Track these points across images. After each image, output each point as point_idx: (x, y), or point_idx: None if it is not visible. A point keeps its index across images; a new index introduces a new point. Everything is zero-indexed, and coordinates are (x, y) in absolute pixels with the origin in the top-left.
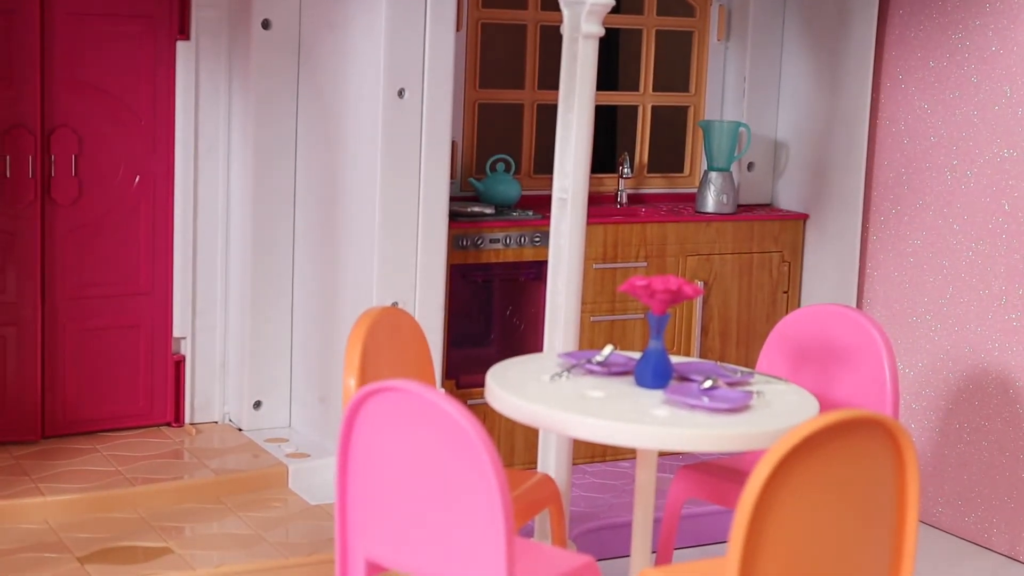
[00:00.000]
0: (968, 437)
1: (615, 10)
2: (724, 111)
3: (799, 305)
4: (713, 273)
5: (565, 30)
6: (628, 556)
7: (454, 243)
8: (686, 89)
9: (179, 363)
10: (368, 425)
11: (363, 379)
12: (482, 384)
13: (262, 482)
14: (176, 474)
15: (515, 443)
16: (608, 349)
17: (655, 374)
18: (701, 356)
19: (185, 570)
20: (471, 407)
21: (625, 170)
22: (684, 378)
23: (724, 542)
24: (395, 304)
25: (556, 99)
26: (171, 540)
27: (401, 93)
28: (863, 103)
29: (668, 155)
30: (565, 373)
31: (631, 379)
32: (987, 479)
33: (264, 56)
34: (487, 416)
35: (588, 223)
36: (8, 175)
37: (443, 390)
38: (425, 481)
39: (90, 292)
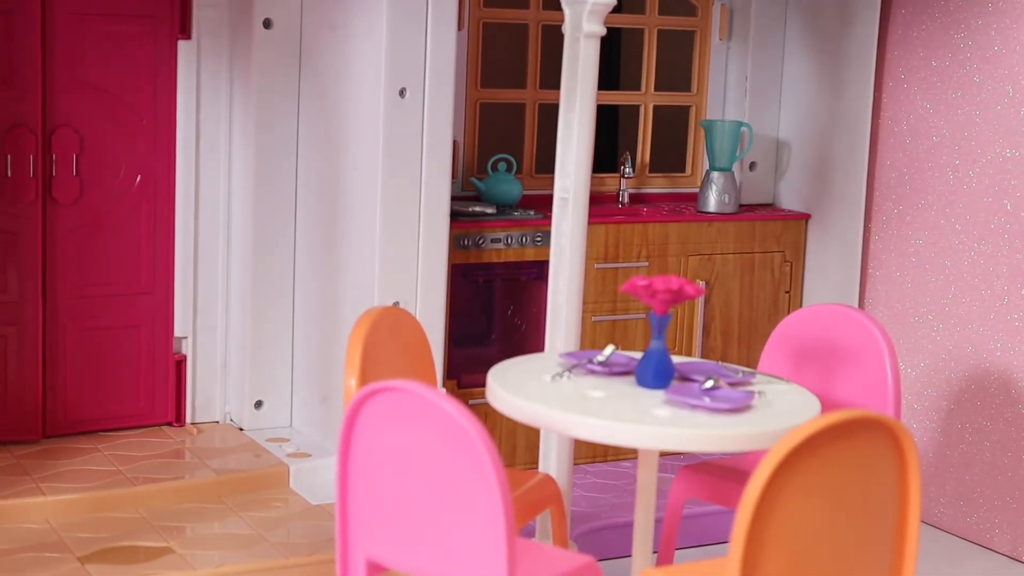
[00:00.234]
0: (970, 437)
1: (617, 9)
2: (726, 111)
3: (801, 305)
4: (715, 273)
5: (567, 29)
6: (629, 556)
7: (455, 243)
8: (688, 89)
9: (180, 363)
10: (369, 425)
11: (364, 379)
12: (483, 384)
13: (263, 482)
14: (177, 474)
15: (516, 443)
16: (609, 349)
17: (656, 374)
18: (702, 356)
19: (186, 570)
20: (472, 407)
21: (627, 170)
22: (685, 378)
23: (725, 542)
24: (396, 304)
25: (558, 99)
26: (172, 540)
27: (402, 92)
28: (865, 103)
29: (670, 155)
30: (566, 373)
31: (632, 379)
32: (989, 479)
33: (265, 56)
34: (488, 416)
35: (590, 223)
36: (9, 174)
37: (444, 390)
38: (426, 481)
39: (91, 292)
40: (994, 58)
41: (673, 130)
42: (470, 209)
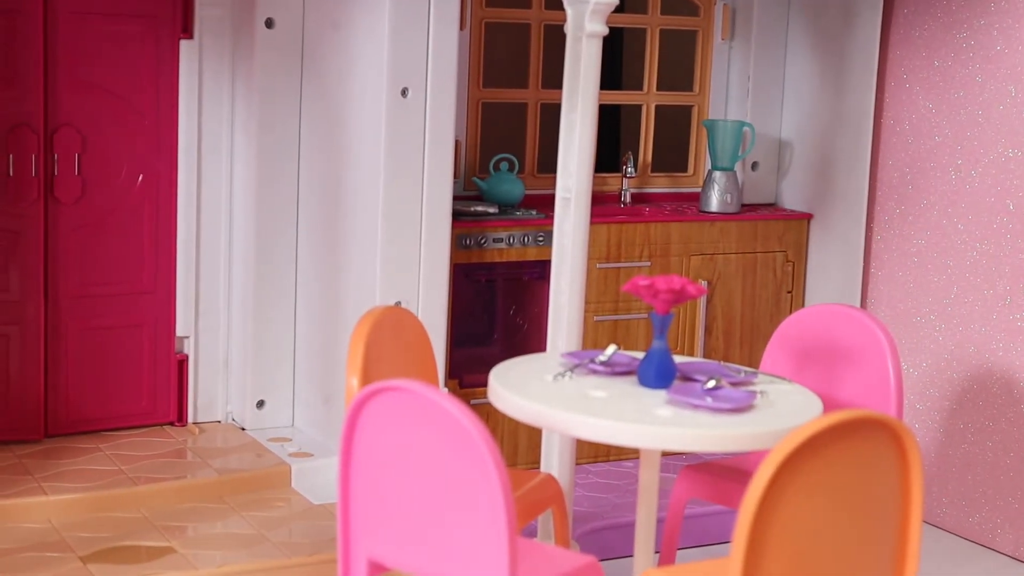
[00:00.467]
0: (972, 437)
1: (619, 9)
2: (728, 110)
3: (803, 305)
4: (717, 273)
5: (569, 29)
6: (631, 556)
7: (457, 242)
8: (690, 88)
9: (182, 362)
10: (371, 425)
11: (366, 379)
12: (485, 384)
13: (265, 482)
14: (179, 473)
15: (518, 443)
16: (611, 349)
17: (658, 374)
18: (705, 356)
19: (188, 570)
20: (474, 407)
21: (629, 169)
22: (687, 378)
23: (727, 542)
24: (398, 303)
25: (560, 98)
26: (174, 540)
27: (404, 92)
28: (867, 103)
29: (672, 154)
30: (568, 373)
31: (634, 379)
32: (991, 479)
33: (267, 55)
34: (490, 416)
35: (592, 222)
36: (11, 174)
37: (446, 390)
38: (428, 481)
39: (93, 291)
40: (996, 58)
41: (675, 130)
42: (472, 209)
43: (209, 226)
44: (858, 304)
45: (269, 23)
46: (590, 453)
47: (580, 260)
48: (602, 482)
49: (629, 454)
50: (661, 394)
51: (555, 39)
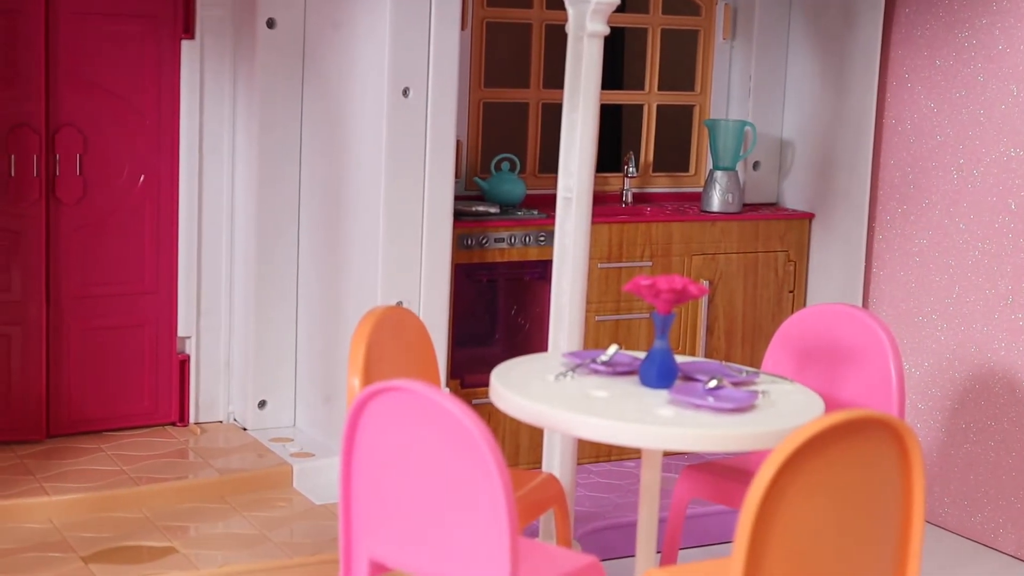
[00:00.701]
0: (974, 437)
1: (620, 9)
2: (730, 110)
3: (804, 305)
4: (718, 272)
5: (570, 29)
6: (633, 556)
7: (459, 242)
8: (691, 88)
9: (184, 362)
10: (372, 425)
11: (367, 379)
12: (487, 384)
13: (266, 482)
14: (180, 474)
15: (520, 443)
16: (613, 349)
17: (660, 374)
18: (706, 356)
19: (189, 570)
20: (476, 407)
21: (630, 169)
22: (689, 378)
23: (729, 542)
24: (399, 303)
25: (561, 98)
26: (175, 540)
27: (406, 92)
28: (869, 102)
29: (673, 154)
30: (569, 373)
31: (636, 379)
32: (993, 479)
33: (269, 55)
34: (492, 416)
35: (593, 222)
36: (13, 174)
37: (447, 390)
38: (429, 481)
39: (95, 291)
40: (998, 57)
41: (677, 129)
42: (473, 209)
43: (210, 226)
44: (860, 304)
45: (270, 23)
46: (592, 453)
47: (581, 260)
48: (604, 482)
49: (631, 454)
50: (663, 394)
51: (556, 39)
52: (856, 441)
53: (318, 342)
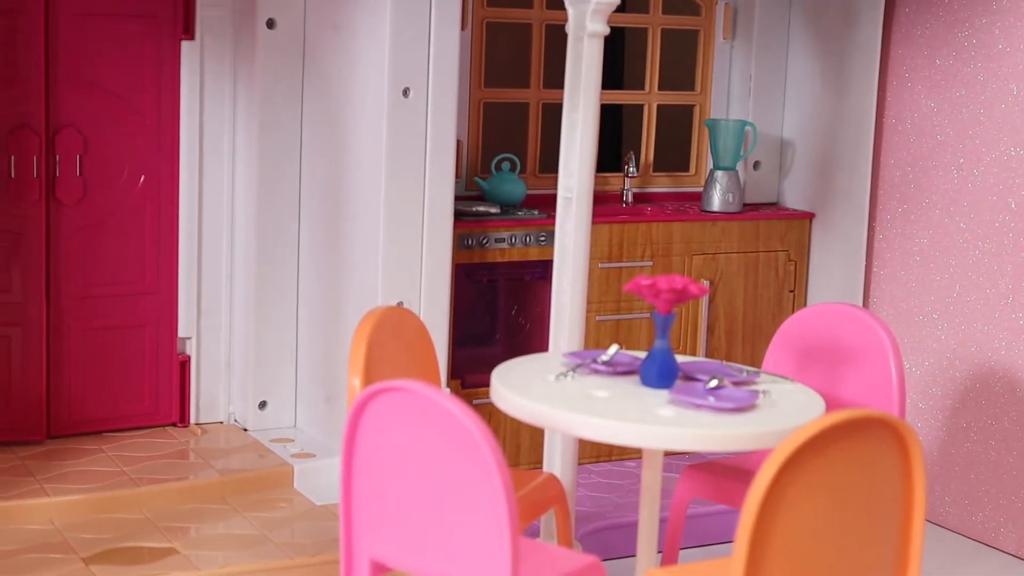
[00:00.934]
0: (975, 436)
1: (620, 9)
2: (730, 110)
3: (805, 304)
4: (719, 272)
5: (570, 29)
6: (634, 556)
7: (459, 242)
8: (692, 88)
9: (184, 363)
10: (373, 425)
11: (368, 379)
12: (487, 384)
13: (267, 482)
14: (181, 474)
15: (521, 443)
16: (613, 348)
17: (660, 374)
18: (707, 355)
19: (190, 570)
20: (476, 407)
21: (630, 169)
22: (690, 377)
23: (730, 542)
24: (400, 304)
25: (561, 98)
26: (176, 540)
27: (406, 92)
28: (869, 102)
29: (674, 154)
30: (570, 373)
31: (636, 379)
32: (994, 478)
33: (269, 56)
34: (492, 416)
35: (593, 222)
36: (13, 175)
37: (448, 390)
38: (430, 481)
39: (95, 292)
40: (998, 56)
41: (677, 129)
42: (474, 209)
43: (211, 226)
44: (860, 303)
45: (270, 24)
46: (592, 453)
47: (582, 260)
48: (604, 482)
49: (631, 454)
50: (663, 394)
51: (556, 39)
52: (857, 441)
53: (318, 342)
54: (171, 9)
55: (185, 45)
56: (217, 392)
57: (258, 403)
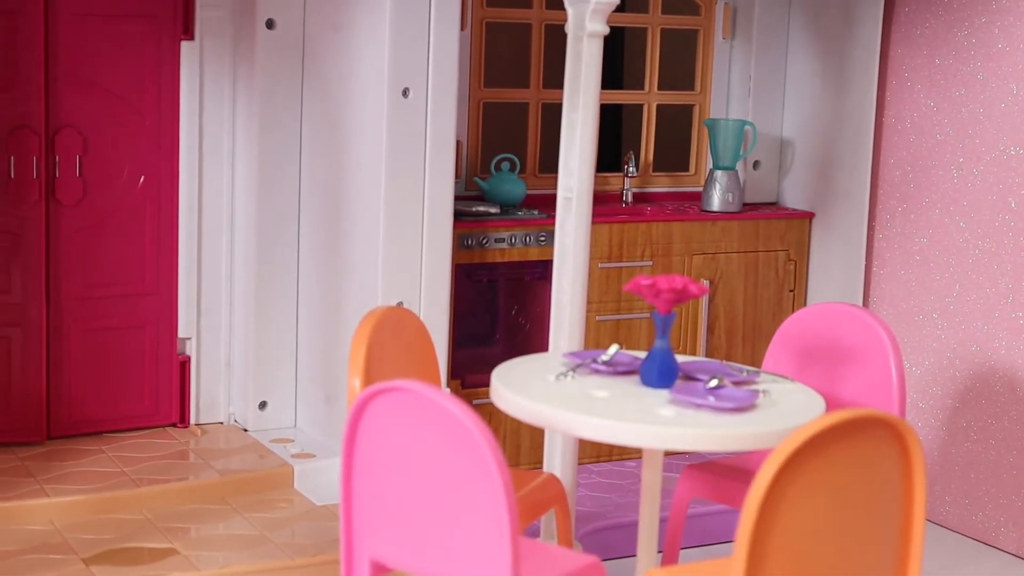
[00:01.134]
0: (975, 435)
1: (620, 8)
2: (729, 110)
3: (805, 304)
4: (719, 272)
5: (570, 29)
6: (634, 556)
7: (459, 242)
8: (691, 88)
9: (184, 364)
10: (373, 425)
11: (368, 379)
12: (487, 384)
13: (267, 483)
14: (181, 475)
15: (521, 443)
16: (613, 348)
17: (660, 373)
18: (707, 355)
19: (190, 571)
20: (476, 407)
21: (630, 169)
22: (690, 377)
23: (730, 542)
24: (400, 304)
25: (561, 98)
26: (176, 541)
27: (405, 93)
28: (869, 101)
29: (673, 154)
30: (570, 373)
31: (636, 378)
32: (994, 477)
33: (268, 56)
34: (492, 416)
35: (593, 222)
36: (12, 176)
37: (448, 390)
38: (430, 481)
39: (95, 292)
40: (998, 56)
41: (677, 129)
42: (474, 209)
43: (211, 227)
44: (860, 303)
45: (270, 24)
46: (592, 453)
47: (582, 260)
48: (605, 482)
49: (631, 454)
50: (663, 394)
51: (556, 39)
52: (857, 440)
53: (318, 343)
54: (171, 9)
55: (185, 45)
56: (217, 392)
57: (258, 403)
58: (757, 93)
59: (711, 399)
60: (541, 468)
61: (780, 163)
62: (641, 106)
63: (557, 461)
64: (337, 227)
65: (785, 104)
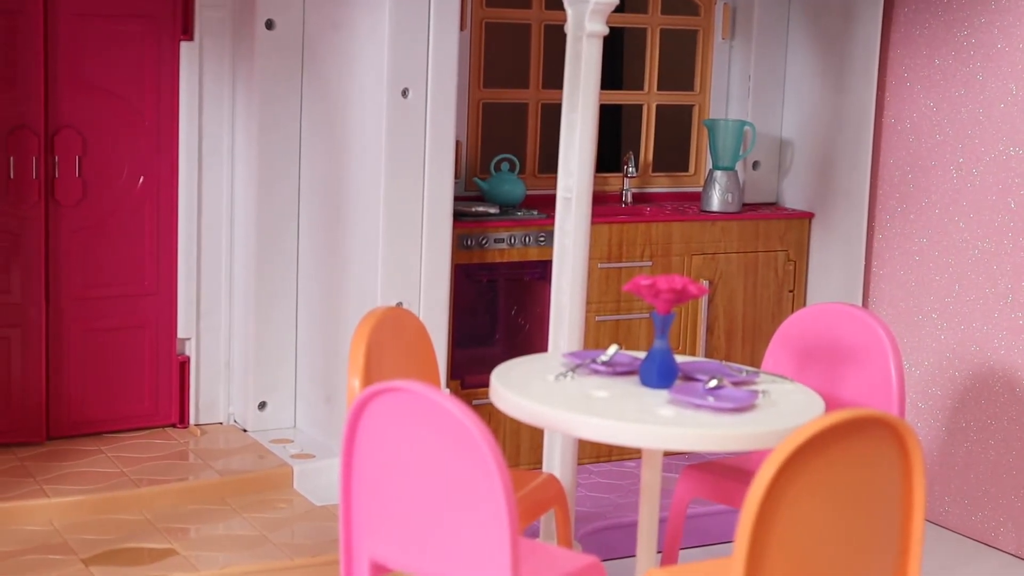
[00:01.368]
0: (975, 436)
1: (619, 9)
2: (729, 110)
3: (805, 304)
4: (718, 272)
5: (569, 29)
6: (634, 556)
7: (459, 243)
8: (691, 88)
9: (184, 364)
10: (373, 426)
11: (367, 379)
12: (487, 384)
13: (267, 483)
14: (181, 475)
15: (520, 443)
16: (613, 349)
17: (660, 374)
18: (706, 355)
19: (190, 571)
20: (476, 407)
21: (630, 169)
22: (689, 377)
23: (730, 542)
24: (399, 304)
25: (560, 98)
26: (176, 541)
27: (405, 93)
28: (868, 101)
29: (673, 154)
30: (570, 373)
31: (636, 379)
32: (994, 478)
33: (268, 57)
34: (492, 416)
35: (593, 222)
36: (12, 176)
37: (448, 390)
38: (430, 482)
39: (94, 293)
40: (997, 56)
41: (676, 129)
42: (473, 209)
43: (210, 227)
44: (860, 303)
45: (269, 24)
46: (592, 453)
47: (581, 260)
48: (604, 482)
49: (631, 454)
50: (663, 394)
51: (555, 39)
52: (856, 440)
53: (318, 343)
54: (170, 10)
55: (184, 46)
56: (217, 393)
57: (258, 404)
58: (756, 93)
59: (710, 399)
60: (541, 468)
61: (780, 163)
62: (641, 106)
63: (557, 461)
64: (337, 227)
65: (785, 104)
